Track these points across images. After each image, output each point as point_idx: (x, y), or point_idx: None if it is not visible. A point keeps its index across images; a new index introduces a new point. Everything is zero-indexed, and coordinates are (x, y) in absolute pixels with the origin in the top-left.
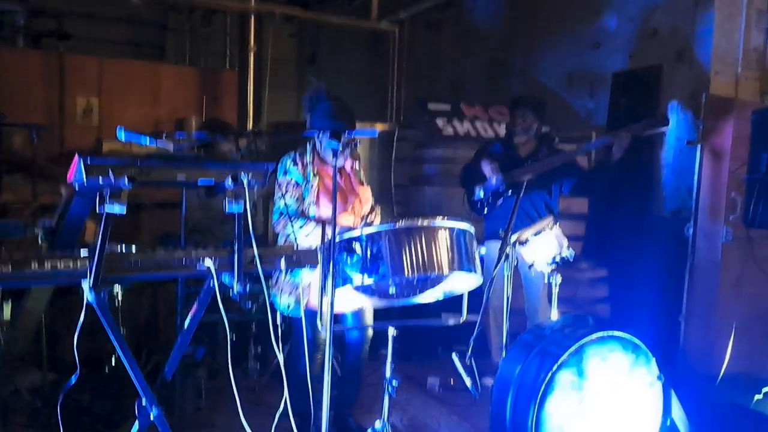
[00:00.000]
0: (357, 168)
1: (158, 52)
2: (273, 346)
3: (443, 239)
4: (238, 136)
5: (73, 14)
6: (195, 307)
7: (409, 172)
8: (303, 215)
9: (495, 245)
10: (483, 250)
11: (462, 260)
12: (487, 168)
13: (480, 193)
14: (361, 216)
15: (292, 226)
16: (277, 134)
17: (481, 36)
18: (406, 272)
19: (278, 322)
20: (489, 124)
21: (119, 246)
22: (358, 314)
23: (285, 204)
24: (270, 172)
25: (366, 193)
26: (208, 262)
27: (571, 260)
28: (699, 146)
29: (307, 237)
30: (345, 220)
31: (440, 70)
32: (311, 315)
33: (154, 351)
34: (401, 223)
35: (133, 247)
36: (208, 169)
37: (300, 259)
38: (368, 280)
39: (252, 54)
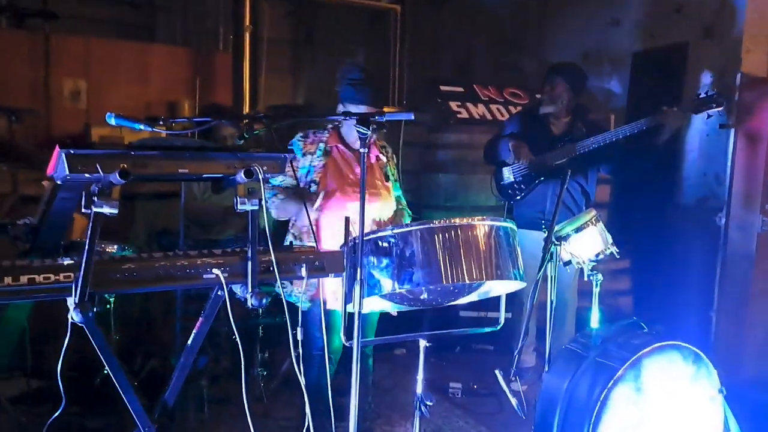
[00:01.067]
0: (384, 159)
1: (148, 32)
2: (282, 351)
3: (485, 240)
4: (241, 120)
5: None
6: (200, 321)
7: (420, 158)
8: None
9: (529, 235)
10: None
11: (507, 265)
12: (514, 150)
13: (510, 176)
14: (378, 220)
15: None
16: (282, 118)
17: (489, 13)
18: (443, 279)
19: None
20: (504, 107)
21: (111, 249)
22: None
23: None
24: (289, 161)
25: (388, 193)
26: (217, 272)
27: (618, 257)
28: (732, 130)
29: (276, 209)
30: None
31: (445, 50)
32: (326, 313)
33: (150, 355)
34: (437, 223)
35: (128, 251)
36: (216, 160)
37: (324, 264)
38: (400, 289)
39: (248, 34)
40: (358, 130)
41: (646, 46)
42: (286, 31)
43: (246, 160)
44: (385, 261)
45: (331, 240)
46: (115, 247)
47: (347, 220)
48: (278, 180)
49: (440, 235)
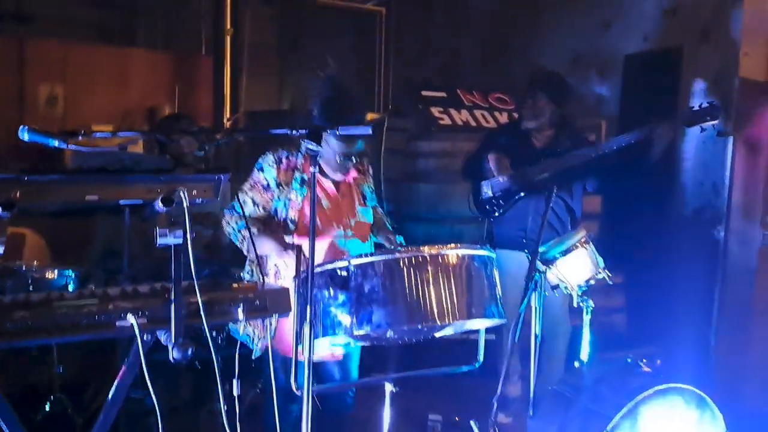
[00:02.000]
0: (361, 176)
1: (128, 36)
2: (245, 383)
3: (458, 273)
4: (199, 134)
5: None
6: (122, 372)
7: (401, 167)
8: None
9: (510, 256)
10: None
11: (484, 302)
12: (494, 164)
13: (488, 191)
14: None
15: (230, 224)
16: (247, 130)
17: (477, 14)
18: (408, 321)
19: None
20: (490, 112)
21: (51, 275)
22: (345, 361)
23: (241, 200)
24: (223, 183)
25: (365, 217)
26: (132, 319)
27: (611, 284)
28: (730, 138)
29: (243, 242)
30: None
31: (431, 52)
32: (282, 358)
33: (102, 386)
34: (403, 252)
35: (71, 276)
36: (133, 184)
37: (266, 304)
38: (359, 331)
39: (228, 37)
40: (307, 147)
41: (639, 50)
42: (271, 36)
43: (171, 184)
44: (341, 297)
45: None
46: (56, 272)
47: (299, 249)
48: (247, 207)
49: (405, 268)
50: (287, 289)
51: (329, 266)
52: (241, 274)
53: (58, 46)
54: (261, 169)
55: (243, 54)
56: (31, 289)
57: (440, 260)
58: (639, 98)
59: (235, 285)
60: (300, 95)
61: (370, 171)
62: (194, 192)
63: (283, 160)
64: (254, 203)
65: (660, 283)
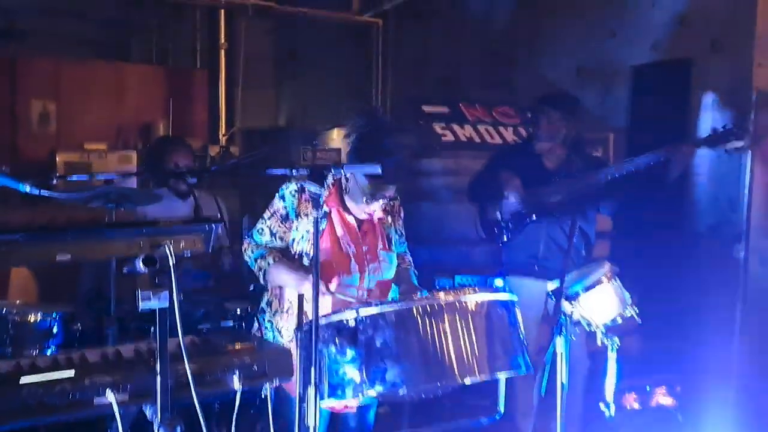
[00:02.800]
0: (389, 219)
1: (121, 51)
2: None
3: (480, 322)
4: (183, 174)
5: (26, 11)
6: None
7: (403, 185)
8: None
9: (519, 283)
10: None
11: (510, 354)
12: (505, 182)
13: (497, 214)
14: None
15: (247, 251)
16: (244, 158)
17: (477, 25)
18: (428, 379)
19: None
20: (494, 127)
21: (33, 317)
22: (362, 410)
23: (259, 228)
24: (215, 233)
25: (389, 264)
26: (111, 397)
27: (639, 322)
28: (748, 152)
29: (261, 272)
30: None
31: (431, 65)
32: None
33: None
34: (416, 301)
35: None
36: (111, 239)
37: (265, 368)
38: (370, 391)
39: (223, 51)
40: (309, 190)
41: (646, 60)
42: (269, 48)
43: (155, 237)
44: (349, 352)
45: None
46: (39, 314)
47: (301, 298)
48: (264, 236)
49: (420, 318)
50: (288, 351)
51: (335, 317)
52: (261, 305)
53: (51, 63)
54: (282, 198)
55: (239, 67)
56: (12, 332)
57: (458, 308)
58: (647, 111)
59: (230, 347)
60: (297, 109)
61: (401, 213)
62: (182, 245)
63: (306, 190)
64: (272, 233)
65: (676, 304)
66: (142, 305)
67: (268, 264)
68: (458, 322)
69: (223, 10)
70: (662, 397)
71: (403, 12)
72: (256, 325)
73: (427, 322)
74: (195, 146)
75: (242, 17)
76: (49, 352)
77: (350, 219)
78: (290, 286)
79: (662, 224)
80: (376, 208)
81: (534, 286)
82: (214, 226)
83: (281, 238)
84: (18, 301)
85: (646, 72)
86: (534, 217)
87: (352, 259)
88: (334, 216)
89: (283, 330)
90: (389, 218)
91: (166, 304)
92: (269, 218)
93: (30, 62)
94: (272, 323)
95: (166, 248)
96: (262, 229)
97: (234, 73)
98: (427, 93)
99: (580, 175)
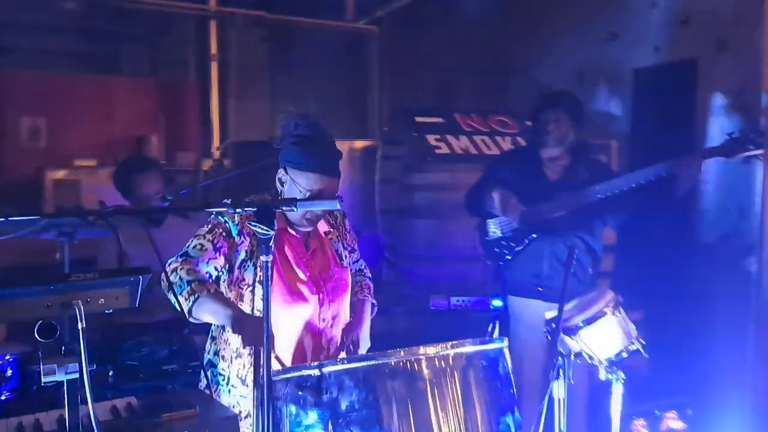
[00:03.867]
0: (334, 231)
1: (111, 64)
2: None
3: (465, 379)
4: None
5: (13, 25)
6: None
7: (398, 199)
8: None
9: (522, 303)
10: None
11: (498, 415)
12: (499, 203)
13: (496, 231)
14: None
15: (178, 272)
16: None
17: (474, 30)
18: None
19: None
20: (491, 137)
21: None
22: None
23: (194, 245)
24: (142, 285)
25: (346, 283)
26: None
27: (646, 356)
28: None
29: (191, 297)
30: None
31: (425, 71)
32: None
33: None
34: (391, 356)
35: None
36: (15, 299)
37: None
38: None
39: (214, 63)
40: (255, 230)
41: (650, 63)
42: (262, 58)
43: (66, 295)
44: (312, 414)
45: None
46: None
47: (258, 352)
48: (195, 244)
49: (391, 378)
50: (235, 417)
51: (295, 373)
52: (208, 358)
53: (39, 78)
54: (221, 214)
55: (231, 78)
56: None
57: (439, 364)
58: (651, 115)
59: (165, 416)
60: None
61: (346, 225)
62: (101, 301)
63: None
64: (215, 248)
65: (684, 320)
66: (45, 379)
67: (207, 291)
68: (439, 379)
69: (213, 21)
70: (673, 422)
71: (398, 19)
72: (204, 381)
73: (404, 381)
74: (188, 160)
75: (233, 27)
76: (3, 398)
77: (295, 238)
78: (224, 322)
79: (668, 234)
80: (316, 219)
81: (539, 306)
82: (141, 277)
83: (224, 255)
84: None
85: (648, 75)
86: (535, 235)
87: (306, 283)
88: (283, 240)
89: (247, 378)
90: (333, 231)
91: (76, 376)
92: (209, 233)
93: (18, 78)
94: (225, 375)
95: (77, 308)
96: (201, 245)
97: (226, 84)
98: (423, 100)
99: (581, 192)
